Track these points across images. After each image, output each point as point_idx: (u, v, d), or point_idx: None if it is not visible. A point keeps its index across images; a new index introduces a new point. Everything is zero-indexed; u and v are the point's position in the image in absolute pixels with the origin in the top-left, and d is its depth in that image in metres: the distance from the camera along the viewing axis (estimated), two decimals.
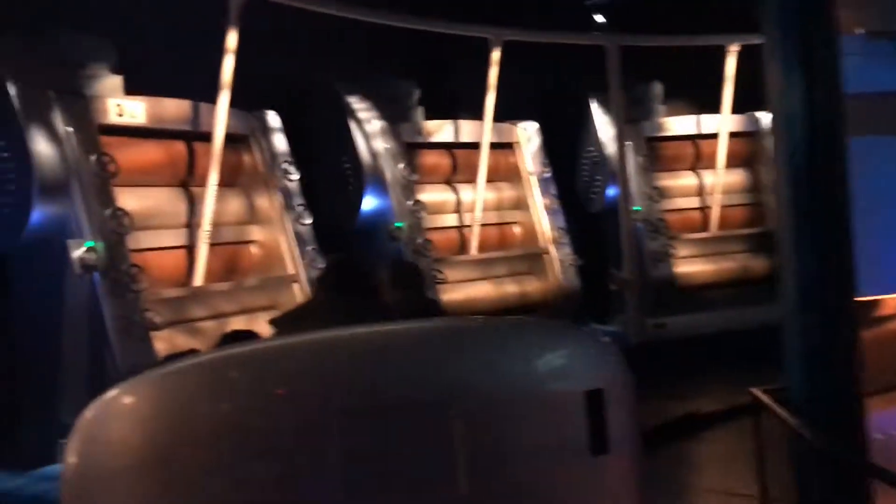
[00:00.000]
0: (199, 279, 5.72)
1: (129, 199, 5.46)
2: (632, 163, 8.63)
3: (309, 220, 6.51)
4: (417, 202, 7.38)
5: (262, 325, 5.54)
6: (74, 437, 2.30)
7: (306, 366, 2.42)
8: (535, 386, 2.52)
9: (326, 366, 2.42)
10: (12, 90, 4.92)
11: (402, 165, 7.37)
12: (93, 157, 5.13)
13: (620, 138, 8.36)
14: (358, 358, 2.44)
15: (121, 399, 2.33)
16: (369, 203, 7.31)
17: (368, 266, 3.40)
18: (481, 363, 2.49)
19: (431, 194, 7.82)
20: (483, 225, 7.95)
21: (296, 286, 6.35)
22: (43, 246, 5.05)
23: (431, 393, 2.42)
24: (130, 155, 5.56)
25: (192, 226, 5.88)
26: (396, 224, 7.22)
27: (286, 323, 3.23)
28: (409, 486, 2.37)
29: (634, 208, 8.57)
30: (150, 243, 5.57)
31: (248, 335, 4.21)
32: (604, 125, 8.96)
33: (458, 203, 8.04)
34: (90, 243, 4.92)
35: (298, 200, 6.53)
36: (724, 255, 9.19)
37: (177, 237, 5.82)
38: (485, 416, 2.43)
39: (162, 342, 5.33)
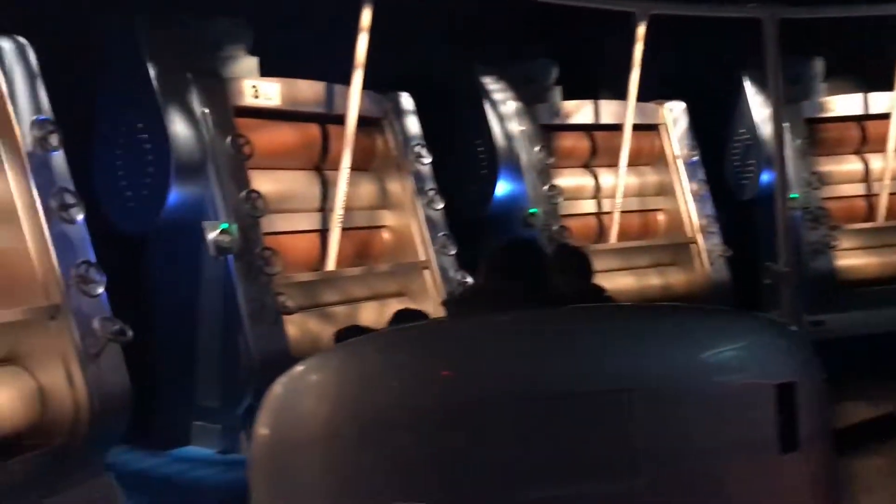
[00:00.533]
0: (331, 264, 5.57)
1: (263, 182, 5.40)
2: (789, 146, 7.91)
3: (441, 205, 6.29)
4: (554, 187, 7.02)
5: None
6: (264, 410, 2.32)
7: (488, 346, 2.36)
8: (719, 376, 2.37)
9: (505, 348, 2.35)
10: (152, 71, 4.92)
11: (538, 148, 7.03)
12: (228, 139, 5.04)
13: (777, 119, 7.57)
14: (535, 342, 2.37)
15: (309, 373, 2.34)
16: (503, 188, 7.01)
17: (541, 249, 3.26)
18: (662, 351, 2.36)
19: (569, 179, 7.44)
20: (624, 212, 7.50)
21: (427, 273, 6.16)
22: (179, 228, 5.01)
23: (610, 380, 2.31)
24: (265, 137, 5.50)
25: (324, 210, 5.68)
26: (531, 210, 6.90)
27: (458, 304, 3.13)
28: (583, 474, 2.29)
29: (792, 195, 7.85)
30: (283, 227, 5.49)
31: (417, 314, 4.04)
32: (758, 105, 8.27)
33: (598, 188, 7.62)
34: (225, 225, 4.82)
35: (430, 185, 6.32)
36: (892, 248, 8.31)
37: (310, 221, 5.70)
38: (665, 405, 2.31)
39: (294, 327, 5.23)
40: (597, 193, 7.63)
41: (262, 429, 2.30)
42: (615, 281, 7.37)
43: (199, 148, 5.00)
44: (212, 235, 4.80)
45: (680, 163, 7.85)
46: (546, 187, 6.99)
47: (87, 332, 3.90)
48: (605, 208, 7.55)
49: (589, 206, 7.58)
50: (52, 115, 4.07)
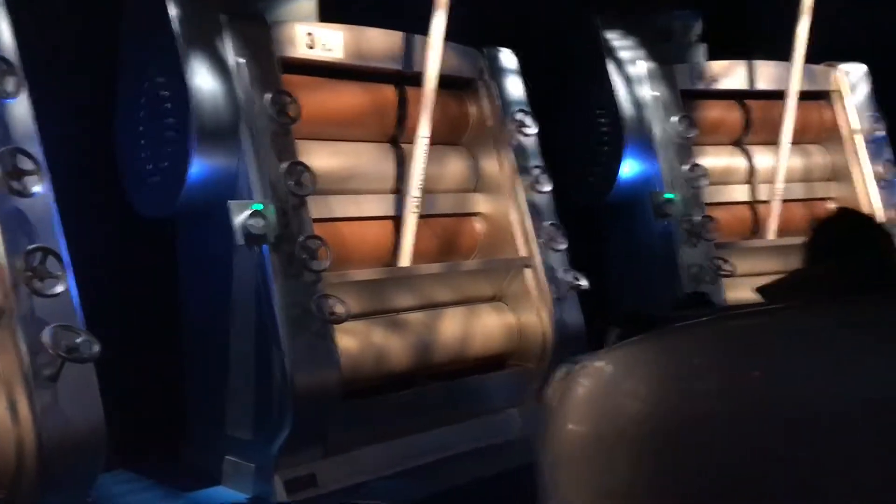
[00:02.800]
0: (405, 259, 4.44)
1: (317, 155, 4.27)
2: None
3: (548, 188, 4.99)
4: (696, 167, 5.56)
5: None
6: (571, 403, 2.14)
7: (827, 343, 2.01)
8: None
9: (849, 344, 1.99)
10: (173, 11, 3.84)
11: (676, 118, 5.58)
12: (268, 97, 3.93)
13: None
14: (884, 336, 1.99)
15: (621, 364, 2.13)
16: (630, 168, 5.62)
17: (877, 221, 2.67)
18: None
19: (715, 158, 5.95)
20: (786, 201, 5.95)
21: (528, 272, 4.87)
22: (203, 210, 3.95)
23: None
24: (320, 98, 4.36)
25: (398, 192, 4.56)
26: (666, 196, 5.47)
27: (778, 292, 2.54)
28: None
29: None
30: (340, 212, 4.38)
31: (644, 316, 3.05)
32: None
33: (752, 171, 6.08)
34: (258, 206, 3.74)
35: (536, 161, 5.03)
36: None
37: (378, 205, 4.54)
38: None
39: (349, 339, 4.11)
40: (751, 177, 6.09)
41: (570, 424, 2.14)
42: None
43: (230, 108, 3.91)
44: (240, 219, 3.71)
45: (859, 139, 6.19)
46: (686, 167, 5.54)
47: (35, 347, 2.83)
48: (762, 196, 6.02)
49: (741, 192, 6.06)
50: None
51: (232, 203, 3.76)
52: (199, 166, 3.86)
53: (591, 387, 2.13)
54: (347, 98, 4.51)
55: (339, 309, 3.86)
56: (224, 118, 3.91)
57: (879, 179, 6.07)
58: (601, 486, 2.06)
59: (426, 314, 4.60)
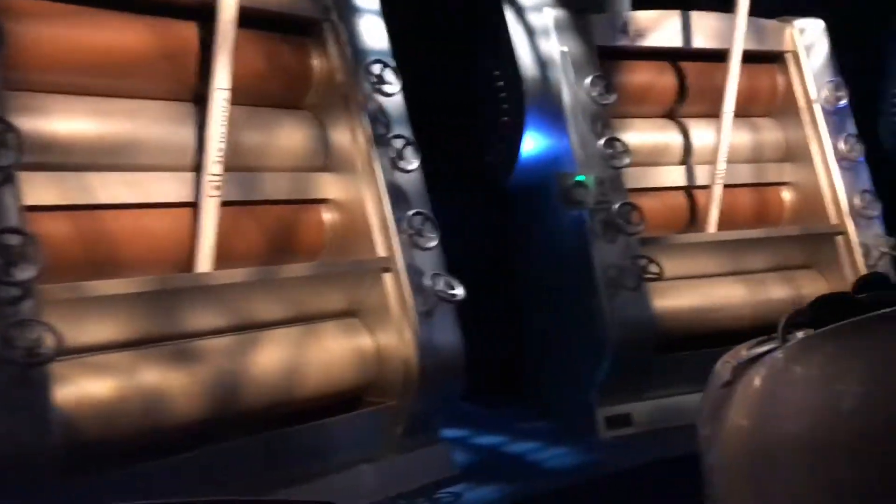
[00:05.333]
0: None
1: (63, 114, 2.99)
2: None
3: (414, 164, 3.74)
4: (614, 142, 4.36)
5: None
6: (742, 397, 1.97)
7: None
8: None
9: None
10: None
11: (590, 80, 4.38)
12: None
13: None
14: None
15: (797, 360, 1.96)
16: (534, 143, 4.41)
17: None
18: None
19: (641, 133, 4.78)
20: (729, 186, 4.80)
21: (387, 279, 3.63)
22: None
23: None
24: (67, 33, 3.06)
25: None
26: (578, 178, 4.26)
27: None
28: None
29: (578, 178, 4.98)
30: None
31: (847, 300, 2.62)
32: None
33: (688, 149, 4.91)
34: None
35: (400, 130, 3.78)
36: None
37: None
38: None
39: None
40: (687, 157, 4.92)
41: (740, 420, 1.98)
42: (714, 291, 4.71)
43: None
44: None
45: (818, 111, 5.05)
46: (602, 143, 4.33)
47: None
48: (700, 180, 4.86)
49: (674, 175, 4.88)
50: None
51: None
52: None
53: (764, 381, 1.96)
54: (115, 35, 3.20)
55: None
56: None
57: (842, 159, 4.94)
58: (767, 491, 1.91)
59: (236, 339, 3.32)
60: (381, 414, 3.60)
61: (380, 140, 3.70)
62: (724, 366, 2.12)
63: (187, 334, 3.22)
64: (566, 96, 4.38)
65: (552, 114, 4.38)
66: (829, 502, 1.84)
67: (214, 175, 3.21)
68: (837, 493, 1.83)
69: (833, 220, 4.92)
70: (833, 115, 5.04)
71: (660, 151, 4.85)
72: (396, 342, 3.59)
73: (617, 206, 4.25)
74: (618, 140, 4.37)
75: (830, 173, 4.94)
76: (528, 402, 4.76)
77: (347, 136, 3.73)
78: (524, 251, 4.80)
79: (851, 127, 5.06)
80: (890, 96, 5.72)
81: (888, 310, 2.00)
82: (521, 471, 3.90)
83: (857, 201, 4.87)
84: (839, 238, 4.88)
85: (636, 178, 4.64)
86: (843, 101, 5.03)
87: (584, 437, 4.26)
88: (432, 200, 3.82)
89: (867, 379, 1.87)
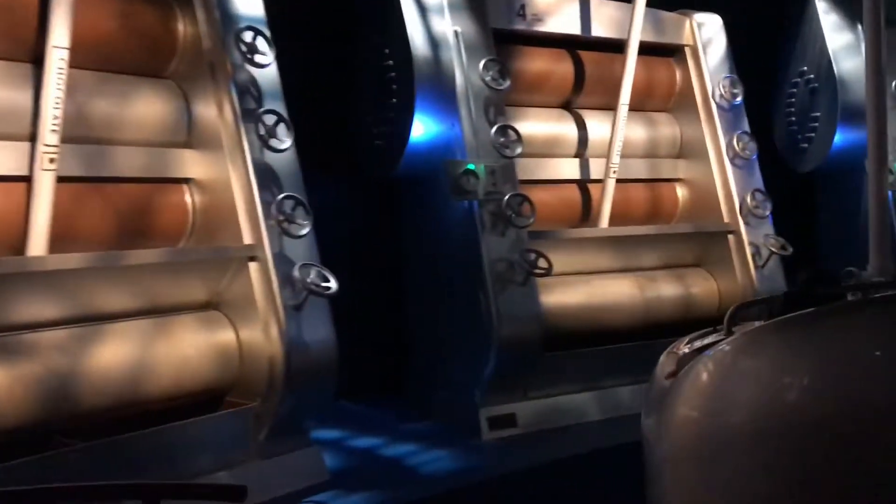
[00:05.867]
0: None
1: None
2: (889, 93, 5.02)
3: (286, 143, 3.42)
4: (506, 130, 4.15)
5: None
6: (689, 388, 1.99)
7: None
8: None
9: None
10: None
11: (483, 64, 4.15)
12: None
13: (874, 50, 4.69)
14: None
15: (742, 350, 1.99)
16: (424, 128, 4.16)
17: None
18: None
19: (536, 123, 4.60)
20: (622, 181, 4.68)
21: (254, 268, 3.31)
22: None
23: None
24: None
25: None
26: (468, 166, 4.03)
27: None
28: None
29: (891, 167, 5.04)
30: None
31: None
32: (834, 29, 5.46)
33: (582, 141, 4.76)
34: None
35: (272, 104, 3.45)
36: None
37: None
38: None
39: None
40: (580, 150, 4.77)
41: (688, 411, 2.00)
42: (605, 288, 4.58)
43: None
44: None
45: (715, 107, 4.98)
46: (494, 130, 4.12)
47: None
48: (594, 174, 4.72)
49: (569, 168, 4.72)
50: None
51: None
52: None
53: (717, 373, 1.96)
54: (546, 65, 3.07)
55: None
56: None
57: (735, 157, 4.89)
58: (714, 480, 1.90)
59: (73, 332, 2.95)
60: (242, 416, 3.29)
61: (249, 115, 3.37)
62: (668, 357, 2.13)
63: (16, 326, 2.84)
64: (458, 79, 4.15)
65: (443, 97, 4.14)
66: (776, 490, 1.83)
67: (50, 146, 2.83)
68: (784, 480, 1.82)
69: (725, 218, 4.86)
70: (728, 111, 4.98)
71: (554, 142, 4.68)
72: (261, 338, 3.28)
73: (507, 197, 4.05)
74: (511, 128, 4.16)
75: (725, 171, 4.88)
76: (412, 401, 4.53)
77: (213, 110, 3.39)
78: (410, 242, 4.55)
79: (745, 125, 5.01)
80: (785, 96, 5.73)
81: (832, 304, 2.04)
82: (397, 476, 3.66)
83: (748, 200, 4.82)
84: (730, 237, 4.82)
85: (529, 169, 4.45)
86: (739, 98, 4.98)
87: (466, 440, 4.06)
88: (311, 187, 3.53)
89: (813, 371, 1.87)
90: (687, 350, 2.11)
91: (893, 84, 5.29)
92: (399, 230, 4.60)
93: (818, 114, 5.49)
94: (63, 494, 1.61)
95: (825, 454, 1.82)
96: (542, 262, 4.04)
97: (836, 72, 5.36)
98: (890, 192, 5.16)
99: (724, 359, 1.98)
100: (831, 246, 5.64)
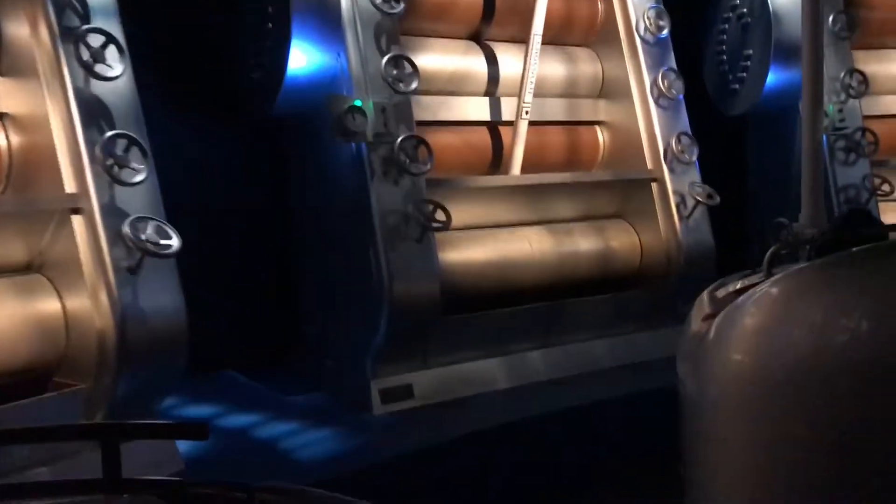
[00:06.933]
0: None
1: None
2: (825, 29, 4.63)
3: (116, 71, 2.82)
4: (401, 61, 3.60)
5: None
6: (739, 331, 1.96)
7: None
8: None
9: None
10: None
11: None
12: None
13: None
14: None
15: (797, 286, 1.96)
16: (304, 59, 3.58)
17: None
18: None
19: (436, 56, 4.05)
20: (535, 123, 4.18)
21: (77, 224, 2.74)
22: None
23: None
24: None
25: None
26: (356, 103, 3.48)
27: None
28: None
29: (826, 109, 4.67)
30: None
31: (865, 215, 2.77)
32: None
33: (493, 78, 4.23)
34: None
35: (102, 22, 2.84)
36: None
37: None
38: None
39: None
40: (489, 88, 4.24)
41: (731, 353, 1.96)
42: (513, 243, 4.11)
43: None
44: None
45: (639, 42, 4.49)
46: (385, 62, 3.55)
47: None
48: (505, 115, 4.21)
49: (475, 108, 4.19)
50: None
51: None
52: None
53: (765, 315, 1.93)
54: None
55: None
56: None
57: (660, 97, 4.44)
58: (771, 428, 1.87)
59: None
60: (70, 399, 2.74)
61: (71, 35, 2.75)
62: (705, 298, 2.11)
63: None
64: (344, 1, 3.57)
65: (325, 22, 3.56)
66: (832, 429, 1.81)
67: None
68: (840, 420, 1.80)
69: (649, 164, 4.42)
70: (654, 46, 4.51)
71: (460, 79, 4.14)
72: (89, 307, 2.73)
73: (400, 139, 3.52)
74: (406, 59, 3.61)
75: (649, 112, 4.42)
76: (301, 371, 4.04)
77: (25, 29, 2.77)
78: (295, 192, 4.01)
79: (672, 61, 4.55)
80: (716, 32, 5.28)
81: (876, 244, 2.04)
82: (267, 461, 3.17)
83: (674, 145, 4.39)
84: (654, 185, 4.39)
85: (430, 108, 3.93)
86: (665, 32, 4.50)
87: (356, 415, 3.59)
88: (175, 128, 2.97)
89: (867, 310, 1.83)
90: (724, 293, 2.09)
91: (830, 18, 4.91)
92: (281, 178, 4.05)
93: (750, 51, 5.05)
94: (19, 436, 1.61)
95: (883, 394, 1.79)
96: (439, 215, 3.55)
97: (769, 5, 4.92)
98: (825, 137, 4.87)
99: (771, 300, 1.93)
100: (762, 195, 5.27)
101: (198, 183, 3.85)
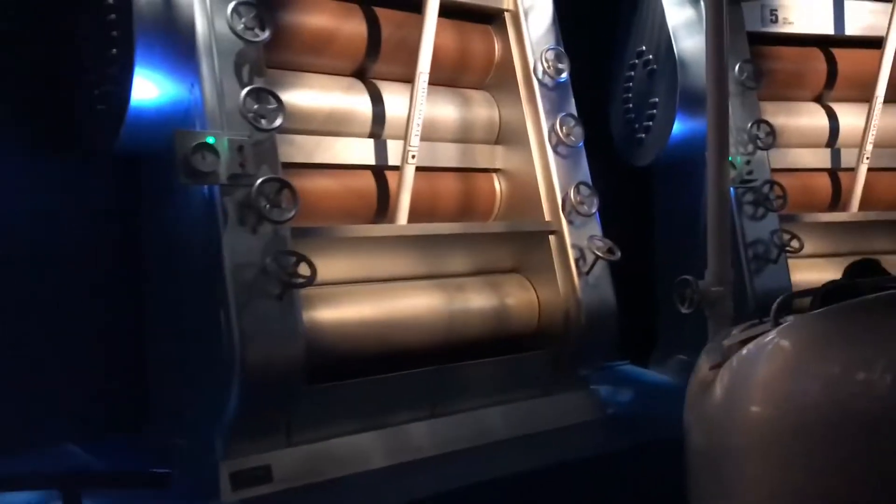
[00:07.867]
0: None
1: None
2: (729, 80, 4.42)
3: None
4: (264, 95, 3.19)
5: None
6: (738, 380, 2.01)
7: None
8: None
9: None
10: None
11: (233, 7, 3.18)
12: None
13: (716, 31, 3.93)
14: None
15: (777, 341, 1.98)
16: (154, 90, 3.14)
17: None
18: None
19: (314, 93, 3.68)
20: (426, 169, 3.83)
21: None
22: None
23: None
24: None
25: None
26: (208, 139, 3.05)
27: None
28: None
29: (734, 160, 4.46)
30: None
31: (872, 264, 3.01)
32: (675, 3, 4.81)
33: (379, 118, 3.86)
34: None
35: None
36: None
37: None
38: None
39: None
40: (378, 129, 3.86)
41: (740, 400, 1.99)
42: (396, 299, 3.70)
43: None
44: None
45: (537, 85, 4.20)
46: (244, 95, 3.12)
47: None
48: (392, 159, 3.84)
49: (359, 150, 3.79)
50: None
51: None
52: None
53: (775, 363, 1.95)
54: None
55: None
56: None
57: (558, 144, 4.13)
58: (786, 479, 1.87)
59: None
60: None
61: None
62: (713, 347, 2.15)
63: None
64: (200, 26, 3.16)
65: (177, 50, 3.14)
66: (845, 477, 1.81)
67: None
68: (855, 469, 1.79)
69: (546, 216, 4.09)
70: (552, 91, 4.22)
71: (340, 118, 3.76)
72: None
73: (259, 182, 3.10)
74: (269, 92, 3.21)
75: (546, 160, 4.10)
76: (152, 445, 3.51)
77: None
78: (147, 239, 3.53)
79: (572, 107, 4.26)
80: (622, 79, 5.05)
81: (882, 293, 2.00)
82: None
83: (572, 195, 4.07)
84: (552, 238, 4.05)
85: (303, 149, 3.55)
86: (565, 75, 4.22)
87: (203, 501, 3.07)
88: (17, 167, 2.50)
89: (880, 358, 1.83)
90: (731, 342, 2.10)
91: (737, 67, 4.72)
92: (134, 222, 3.58)
93: (656, 99, 4.83)
94: None
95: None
96: (303, 269, 3.11)
97: (675, 52, 4.71)
98: (732, 189, 4.65)
99: (782, 350, 1.95)
100: (667, 250, 5.01)
101: (42, 228, 3.40)
